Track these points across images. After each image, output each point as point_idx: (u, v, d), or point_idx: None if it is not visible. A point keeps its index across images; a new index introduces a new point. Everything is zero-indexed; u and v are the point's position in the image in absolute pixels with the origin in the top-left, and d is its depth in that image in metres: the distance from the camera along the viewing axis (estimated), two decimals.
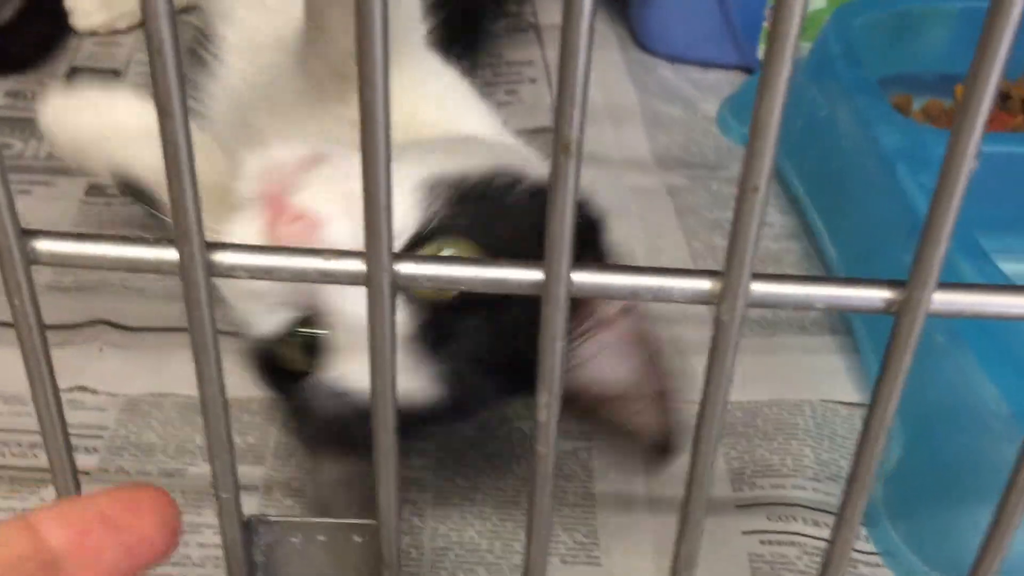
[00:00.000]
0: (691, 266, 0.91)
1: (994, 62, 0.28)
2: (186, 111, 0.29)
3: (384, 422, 0.36)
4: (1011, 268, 0.74)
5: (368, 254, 0.32)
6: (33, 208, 0.97)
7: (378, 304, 0.33)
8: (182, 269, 0.33)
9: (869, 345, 0.83)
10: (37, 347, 0.36)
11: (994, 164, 0.65)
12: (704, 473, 0.37)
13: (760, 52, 1.15)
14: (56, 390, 0.38)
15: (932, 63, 1.02)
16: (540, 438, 0.35)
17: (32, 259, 0.33)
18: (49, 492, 0.73)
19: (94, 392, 0.80)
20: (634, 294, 0.33)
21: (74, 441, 0.76)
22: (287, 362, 0.59)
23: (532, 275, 0.33)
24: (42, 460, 0.74)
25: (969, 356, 0.71)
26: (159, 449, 0.77)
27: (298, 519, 0.44)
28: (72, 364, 0.82)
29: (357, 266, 0.32)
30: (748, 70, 1.17)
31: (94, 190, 0.99)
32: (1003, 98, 1.03)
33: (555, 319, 0.33)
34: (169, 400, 0.80)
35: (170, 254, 0.33)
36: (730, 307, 0.33)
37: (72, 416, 0.79)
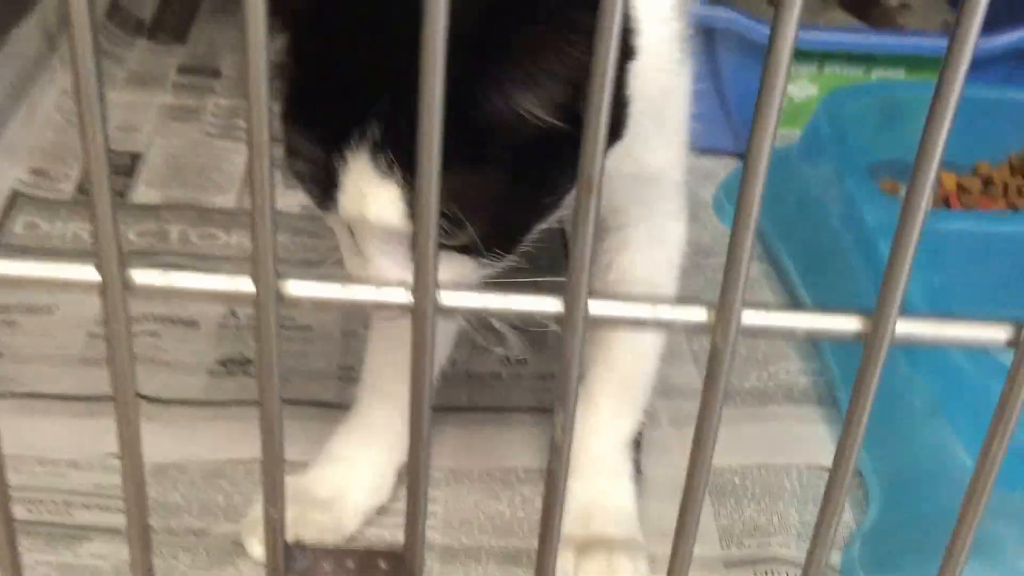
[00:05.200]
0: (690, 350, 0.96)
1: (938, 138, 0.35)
2: None
3: (418, 449, 0.41)
4: None
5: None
6: None
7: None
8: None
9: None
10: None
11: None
12: (702, 478, 0.43)
13: None
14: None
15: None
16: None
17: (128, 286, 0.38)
18: (85, 547, 0.79)
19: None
20: (639, 323, 0.39)
21: (107, 503, 0.83)
22: None
23: (552, 305, 0.38)
24: (77, 518, 0.80)
25: (944, 424, 0.77)
26: (184, 510, 0.82)
27: (331, 547, 0.48)
28: (106, 433, 0.86)
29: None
30: (743, 156, 1.21)
31: None
32: (985, 183, 1.09)
33: (573, 344, 0.38)
34: (194, 465, 0.85)
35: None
36: (723, 334, 0.39)
37: (106, 479, 0.84)
